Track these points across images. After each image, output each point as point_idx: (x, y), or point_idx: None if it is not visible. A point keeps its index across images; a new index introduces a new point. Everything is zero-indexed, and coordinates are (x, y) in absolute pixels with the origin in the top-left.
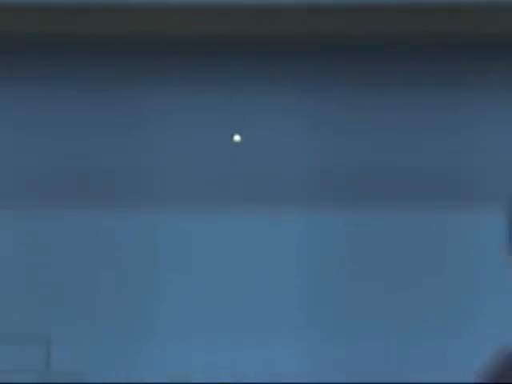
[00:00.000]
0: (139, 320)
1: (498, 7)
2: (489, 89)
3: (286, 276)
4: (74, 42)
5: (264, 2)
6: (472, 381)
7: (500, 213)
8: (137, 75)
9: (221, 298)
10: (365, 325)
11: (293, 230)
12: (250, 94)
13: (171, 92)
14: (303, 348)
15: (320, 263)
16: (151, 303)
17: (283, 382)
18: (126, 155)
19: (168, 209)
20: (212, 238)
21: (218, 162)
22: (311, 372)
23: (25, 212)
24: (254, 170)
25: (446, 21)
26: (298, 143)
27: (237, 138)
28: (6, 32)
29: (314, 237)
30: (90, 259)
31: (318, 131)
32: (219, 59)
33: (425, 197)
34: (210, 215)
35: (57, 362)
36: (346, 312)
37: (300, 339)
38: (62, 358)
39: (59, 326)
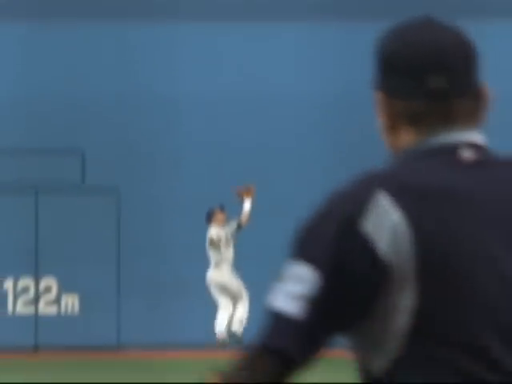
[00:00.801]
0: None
1: None
2: None
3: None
4: None
5: None
6: None
7: None
8: None
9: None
10: None
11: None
12: None
13: None
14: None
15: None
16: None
17: None
18: None
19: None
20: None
21: None
22: None
23: (54, 25)
24: None
25: None
26: None
27: None
28: None
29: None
30: (117, 74)
31: None
32: None
33: None
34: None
35: (91, 176)
36: None
37: None
38: (96, 173)
39: (93, 141)
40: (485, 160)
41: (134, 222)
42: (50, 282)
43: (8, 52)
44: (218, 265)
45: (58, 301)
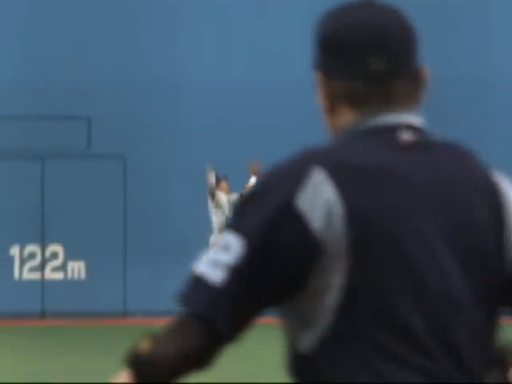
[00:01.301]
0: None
1: None
2: None
3: None
4: None
5: None
6: None
7: None
8: None
9: None
10: None
11: None
12: None
13: None
14: None
15: None
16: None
17: None
18: None
19: None
20: None
21: None
22: None
23: None
24: None
25: None
26: None
27: None
28: None
29: None
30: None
31: None
32: None
33: None
34: None
35: (97, 143)
36: None
37: None
38: (102, 140)
39: (100, 108)
40: (422, 142)
41: (140, 188)
42: (56, 248)
43: (15, 20)
44: (221, 230)
45: (64, 267)
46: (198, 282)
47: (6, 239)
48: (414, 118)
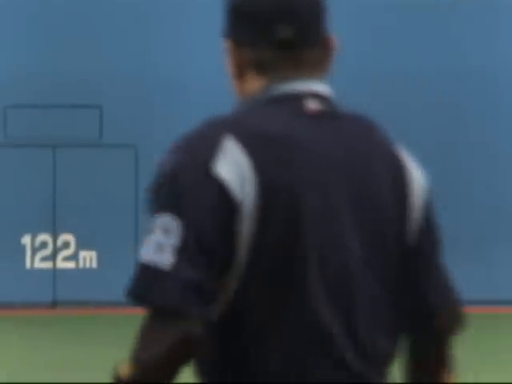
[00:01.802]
0: None
1: None
2: None
3: None
4: None
5: None
6: None
7: None
8: None
9: None
10: None
11: None
12: None
13: None
14: None
15: None
16: None
17: None
18: None
19: None
20: None
21: None
22: None
23: None
24: None
25: None
26: None
27: None
28: None
29: None
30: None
31: None
32: None
33: None
34: None
35: (109, 132)
36: None
37: None
38: (114, 129)
39: (112, 98)
40: (329, 111)
41: (151, 178)
42: (67, 237)
43: (28, 8)
44: None
45: (75, 257)
46: (149, 272)
47: (17, 228)
48: (321, 87)
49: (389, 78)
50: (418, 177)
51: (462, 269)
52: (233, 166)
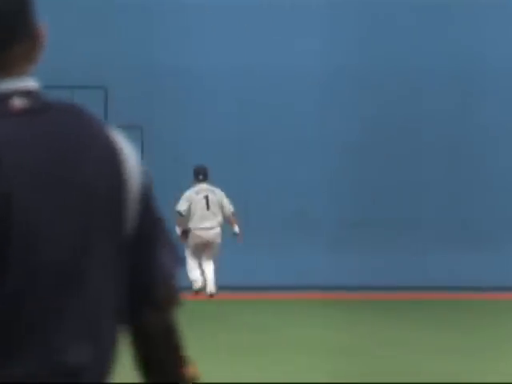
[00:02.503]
0: None
1: None
2: None
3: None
4: None
5: None
6: None
7: None
8: None
9: None
10: None
11: None
12: None
13: None
14: None
15: None
16: None
17: None
18: None
19: None
20: None
21: None
22: None
23: None
24: None
25: None
26: None
27: None
28: None
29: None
30: None
31: None
32: None
33: None
34: None
35: (114, 114)
36: None
37: None
38: (119, 110)
39: (116, 77)
40: (37, 106)
41: (157, 161)
42: None
43: None
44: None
45: None
46: None
47: None
48: (30, 83)
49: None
50: (133, 159)
51: None
52: None
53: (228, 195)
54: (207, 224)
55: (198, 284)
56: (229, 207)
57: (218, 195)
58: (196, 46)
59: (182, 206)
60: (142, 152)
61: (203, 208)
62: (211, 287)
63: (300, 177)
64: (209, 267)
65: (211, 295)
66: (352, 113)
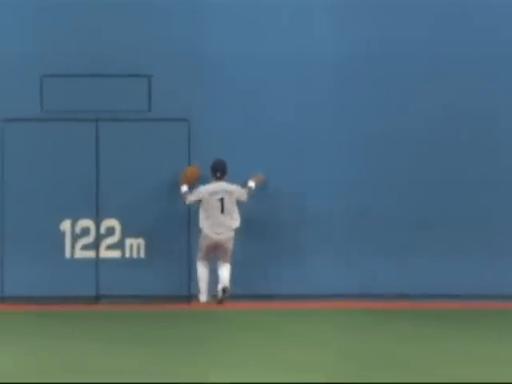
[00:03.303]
0: None
1: None
2: None
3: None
4: None
5: None
6: None
7: None
8: None
9: None
10: None
11: None
12: None
13: None
14: None
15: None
16: None
17: None
18: None
19: None
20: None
21: None
22: None
23: None
24: None
25: None
26: None
27: None
28: None
29: None
30: None
31: None
32: None
33: None
34: None
35: (157, 106)
36: None
37: None
38: (164, 103)
39: (161, 66)
40: None
41: (205, 155)
42: (112, 223)
43: None
44: None
45: (121, 245)
46: None
47: (56, 213)
48: None
49: None
50: None
51: None
52: None
53: (281, 193)
54: (220, 230)
55: (203, 298)
56: (244, 198)
57: (234, 194)
58: (245, 41)
59: (192, 197)
60: (189, 146)
61: (218, 211)
62: (225, 282)
63: (358, 176)
64: (225, 268)
65: (224, 290)
66: (416, 110)
